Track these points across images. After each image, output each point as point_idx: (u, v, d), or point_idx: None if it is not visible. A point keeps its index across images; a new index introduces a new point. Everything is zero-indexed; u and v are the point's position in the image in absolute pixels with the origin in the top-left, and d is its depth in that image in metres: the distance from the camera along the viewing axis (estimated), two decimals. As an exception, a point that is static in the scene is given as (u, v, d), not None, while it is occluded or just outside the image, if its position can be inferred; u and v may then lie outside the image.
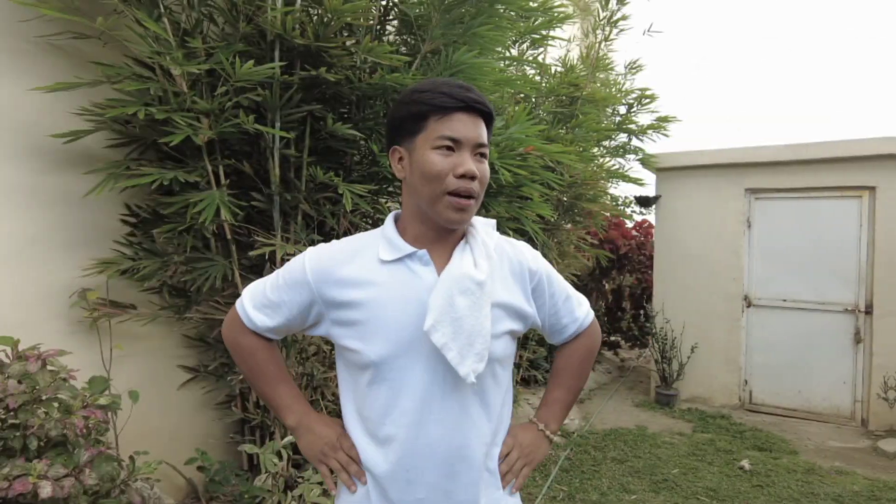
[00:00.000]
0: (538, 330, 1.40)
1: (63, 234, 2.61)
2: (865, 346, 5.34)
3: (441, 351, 1.13)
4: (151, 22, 2.35)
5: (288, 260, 1.29)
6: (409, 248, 1.20)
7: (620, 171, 6.34)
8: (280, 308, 1.25)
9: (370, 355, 1.17)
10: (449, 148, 1.15)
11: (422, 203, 1.19)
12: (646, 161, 6.25)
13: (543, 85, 5.33)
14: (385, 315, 1.17)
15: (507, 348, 1.26)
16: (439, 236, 1.23)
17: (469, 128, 1.15)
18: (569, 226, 6.00)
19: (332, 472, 1.29)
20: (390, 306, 1.17)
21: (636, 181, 6.24)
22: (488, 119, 1.21)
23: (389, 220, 1.28)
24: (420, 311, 1.16)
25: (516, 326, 1.28)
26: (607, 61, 6.07)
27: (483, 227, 1.29)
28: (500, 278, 1.26)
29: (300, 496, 2.67)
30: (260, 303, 1.27)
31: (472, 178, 1.15)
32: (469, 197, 1.16)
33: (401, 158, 1.22)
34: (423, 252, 1.21)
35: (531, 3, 3.71)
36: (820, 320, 5.55)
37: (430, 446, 1.19)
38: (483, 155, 1.19)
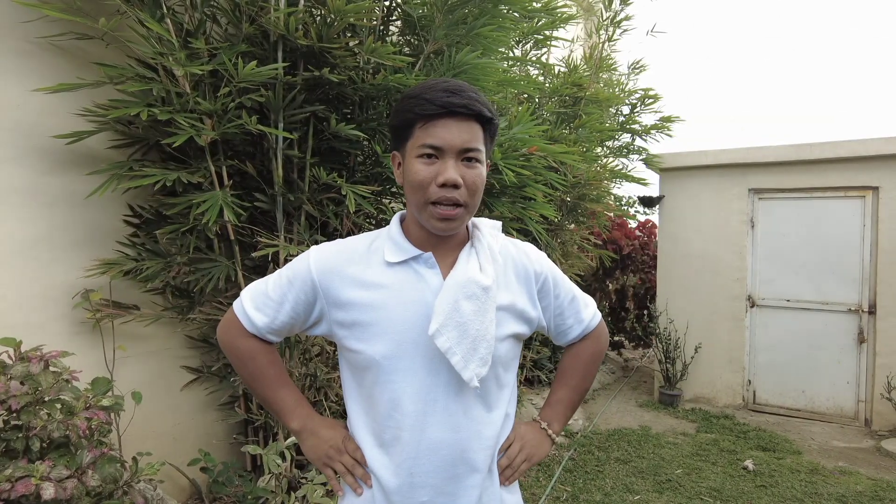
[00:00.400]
0: (543, 332, 1.39)
1: (66, 234, 2.61)
2: (869, 346, 5.33)
3: (445, 355, 1.13)
4: (154, 23, 2.35)
5: (291, 261, 1.28)
6: (415, 251, 1.20)
7: (624, 171, 6.33)
8: (283, 306, 1.23)
9: (373, 356, 1.16)
10: (432, 156, 1.12)
11: (413, 210, 1.19)
12: (649, 161, 6.24)
13: (547, 85, 5.32)
14: (389, 317, 1.16)
15: (511, 351, 1.26)
16: (441, 239, 1.22)
17: (453, 133, 1.11)
18: (572, 226, 5.99)
19: (336, 474, 1.29)
20: (395, 308, 1.16)
21: (640, 181, 6.23)
22: (484, 121, 1.16)
23: (395, 220, 1.26)
24: (424, 313, 1.15)
25: (521, 330, 1.27)
26: (611, 61, 6.07)
27: (488, 230, 1.28)
28: (504, 281, 1.25)
29: (303, 497, 2.66)
30: (261, 302, 1.25)
31: (455, 186, 1.12)
32: (454, 205, 1.13)
33: (399, 164, 1.21)
34: (429, 255, 1.20)
35: (534, 4, 3.70)
36: (823, 320, 5.53)
37: (432, 449, 1.18)
38: (473, 160, 1.14)
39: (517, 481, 1.36)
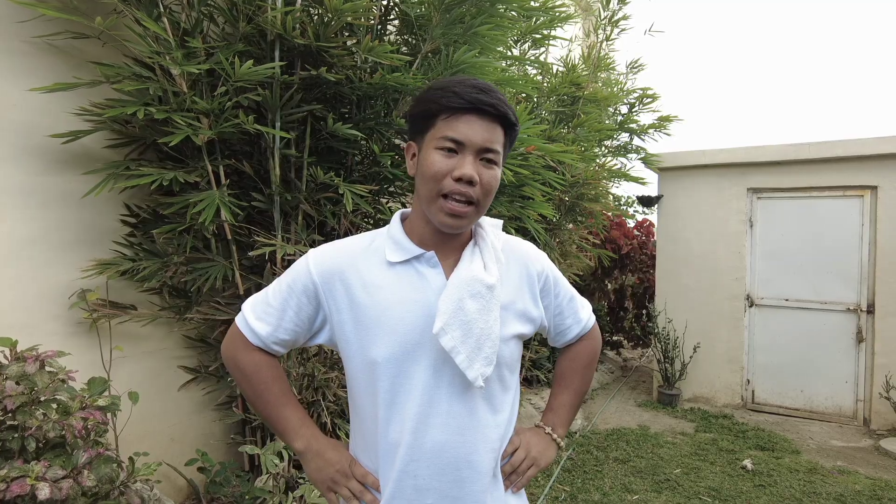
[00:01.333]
0: (543, 333, 1.38)
1: (62, 234, 2.60)
2: (867, 345, 5.33)
3: (450, 354, 1.11)
4: (151, 22, 2.34)
5: (288, 260, 1.26)
6: (417, 250, 1.18)
7: (622, 170, 6.33)
8: (285, 313, 1.21)
9: (375, 358, 1.15)
10: (452, 150, 1.11)
11: (422, 203, 1.17)
12: (648, 160, 6.24)
13: (545, 85, 5.32)
14: (392, 318, 1.14)
15: (515, 352, 1.24)
16: (445, 238, 1.20)
17: (475, 130, 1.11)
18: (571, 225, 5.99)
19: (338, 497, 1.26)
20: (397, 309, 1.15)
21: (638, 180, 6.23)
22: (507, 125, 1.15)
23: (396, 219, 1.24)
24: (427, 314, 1.14)
25: (524, 330, 1.26)
26: (609, 61, 6.07)
27: (490, 229, 1.27)
28: (507, 280, 1.24)
29: (301, 497, 2.66)
30: (262, 311, 1.22)
31: (471, 182, 1.11)
32: (467, 203, 1.12)
33: (414, 155, 1.20)
34: (431, 254, 1.18)
35: (532, 3, 3.70)
36: (822, 320, 5.53)
37: (435, 452, 1.16)
38: (491, 161, 1.14)
39: None
